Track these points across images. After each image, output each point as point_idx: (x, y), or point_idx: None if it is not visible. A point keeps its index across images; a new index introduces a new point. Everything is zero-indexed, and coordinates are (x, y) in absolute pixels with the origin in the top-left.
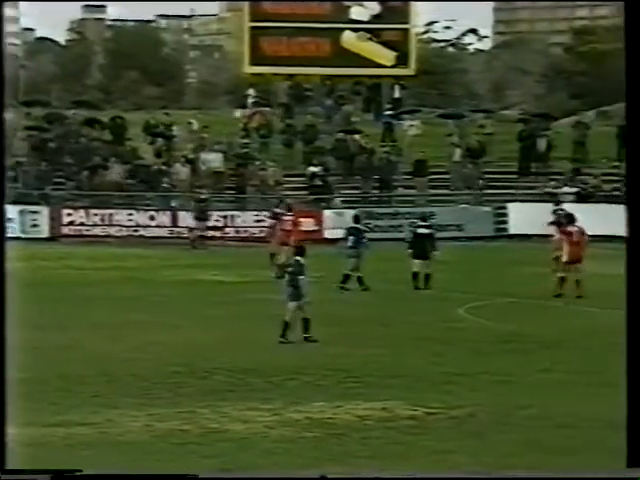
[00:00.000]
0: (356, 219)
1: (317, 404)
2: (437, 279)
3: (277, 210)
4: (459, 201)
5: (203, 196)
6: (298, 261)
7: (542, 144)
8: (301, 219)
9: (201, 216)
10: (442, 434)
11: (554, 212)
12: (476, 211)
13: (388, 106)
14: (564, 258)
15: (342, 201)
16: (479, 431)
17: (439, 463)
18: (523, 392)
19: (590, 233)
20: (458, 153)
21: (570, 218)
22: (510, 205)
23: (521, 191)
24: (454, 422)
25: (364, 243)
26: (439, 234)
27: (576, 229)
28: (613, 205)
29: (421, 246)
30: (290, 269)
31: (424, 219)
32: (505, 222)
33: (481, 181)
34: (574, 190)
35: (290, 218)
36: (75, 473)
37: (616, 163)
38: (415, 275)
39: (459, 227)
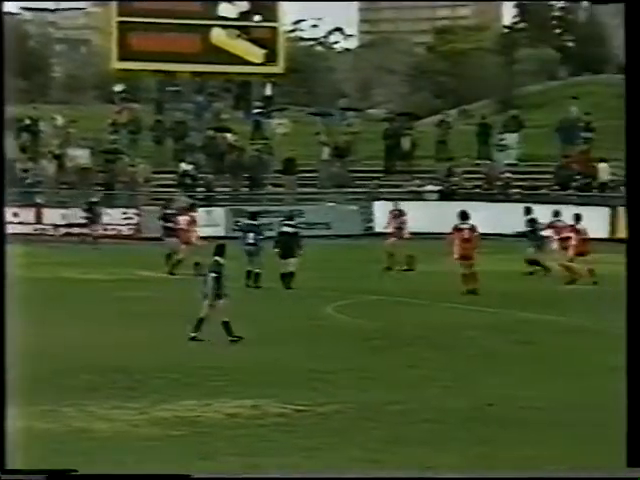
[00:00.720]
0: (253, 216)
1: (185, 402)
2: (306, 277)
3: (169, 211)
4: (327, 199)
5: (94, 199)
6: (217, 261)
7: (406, 143)
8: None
9: (92, 217)
10: (310, 431)
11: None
12: (343, 209)
13: (258, 104)
14: (455, 255)
15: (213, 199)
16: (346, 427)
17: (307, 460)
18: (388, 388)
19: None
20: (326, 152)
21: (463, 215)
22: (376, 203)
23: (387, 189)
24: (321, 419)
25: (261, 240)
26: (307, 232)
27: (467, 227)
28: (475, 202)
29: (286, 245)
30: (209, 268)
31: (289, 218)
32: (371, 220)
33: (348, 179)
34: (437, 188)
35: (187, 217)
36: (73, 473)
37: (477, 161)
38: (283, 275)
39: (327, 225)
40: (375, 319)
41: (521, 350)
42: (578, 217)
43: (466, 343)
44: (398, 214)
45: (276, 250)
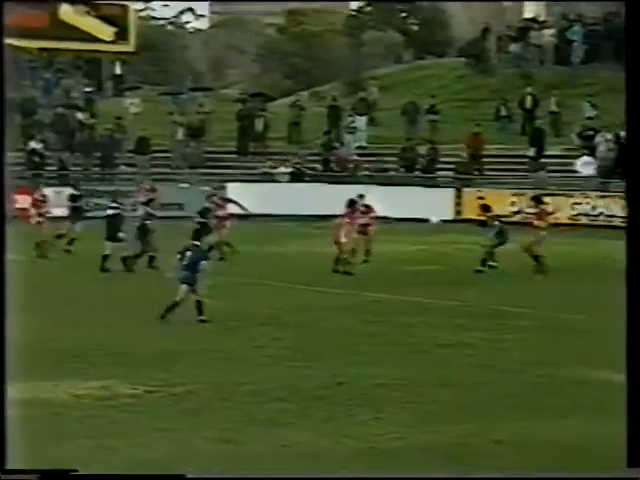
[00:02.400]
0: (73, 198)
1: (35, 383)
2: (160, 258)
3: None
4: (181, 180)
5: None
6: (197, 245)
7: (259, 124)
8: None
9: None
10: (162, 412)
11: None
12: (196, 190)
13: (108, 82)
14: (343, 239)
15: (63, 178)
16: (199, 408)
17: (159, 441)
18: (241, 368)
19: (304, 213)
20: (180, 132)
21: (351, 202)
22: (229, 185)
23: (240, 171)
24: (174, 399)
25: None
26: (160, 213)
27: (358, 211)
28: (325, 184)
29: (112, 227)
30: (188, 252)
31: (113, 199)
32: None
33: (202, 160)
34: (289, 170)
35: (33, 197)
36: (72, 473)
37: (329, 143)
38: (105, 257)
39: (180, 206)
40: (228, 300)
41: (371, 329)
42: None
43: (317, 323)
44: (222, 203)
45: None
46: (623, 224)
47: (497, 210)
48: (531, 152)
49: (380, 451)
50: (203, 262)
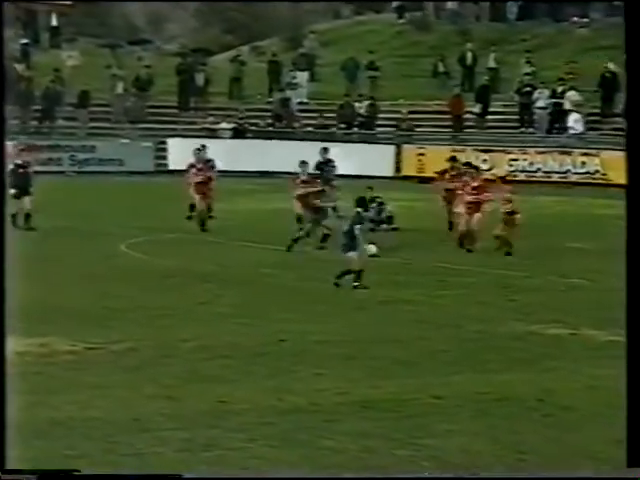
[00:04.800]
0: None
1: None
2: (98, 214)
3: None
4: (121, 135)
5: None
6: (358, 212)
7: (200, 79)
8: None
9: None
10: (102, 369)
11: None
12: (137, 146)
13: (44, 34)
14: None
15: None
16: (140, 365)
17: (99, 398)
18: (183, 325)
19: (246, 169)
20: (120, 86)
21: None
22: (170, 140)
23: (181, 126)
24: (115, 356)
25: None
26: (99, 168)
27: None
28: (268, 141)
29: (17, 183)
30: (348, 220)
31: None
32: (165, 157)
33: (143, 115)
34: (231, 126)
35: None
36: (73, 473)
37: (270, 99)
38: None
39: (120, 162)
40: (171, 257)
41: (314, 286)
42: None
43: (260, 280)
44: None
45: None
46: (560, 180)
47: (436, 167)
48: (477, 109)
49: (321, 406)
50: (357, 226)
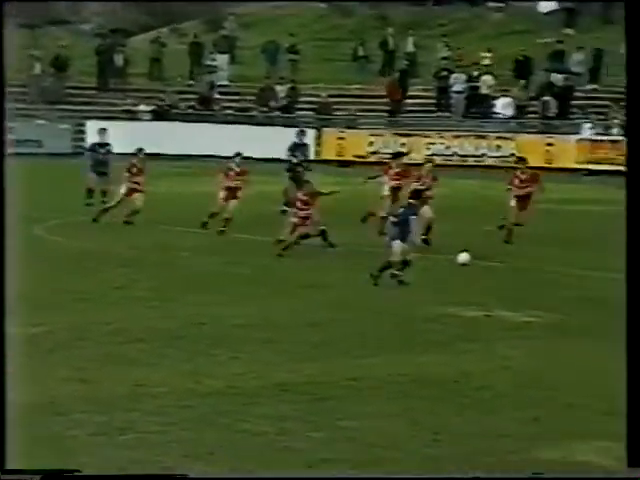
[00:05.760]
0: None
1: None
2: (13, 195)
3: None
4: (38, 116)
5: None
6: (411, 203)
7: (119, 60)
8: None
9: None
10: (17, 352)
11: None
12: (55, 127)
13: None
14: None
15: None
16: (55, 348)
17: (13, 381)
18: (99, 309)
19: (164, 152)
20: (38, 66)
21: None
22: (88, 122)
23: (100, 108)
24: (32, 339)
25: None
26: (16, 150)
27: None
28: (188, 124)
29: None
30: (401, 210)
31: None
32: (84, 139)
33: (61, 96)
34: (151, 108)
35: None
36: (74, 473)
37: (190, 82)
38: None
39: (38, 143)
40: (88, 240)
41: (234, 270)
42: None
43: (178, 264)
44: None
45: None
46: (476, 163)
47: (355, 151)
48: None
49: (239, 390)
50: (412, 217)
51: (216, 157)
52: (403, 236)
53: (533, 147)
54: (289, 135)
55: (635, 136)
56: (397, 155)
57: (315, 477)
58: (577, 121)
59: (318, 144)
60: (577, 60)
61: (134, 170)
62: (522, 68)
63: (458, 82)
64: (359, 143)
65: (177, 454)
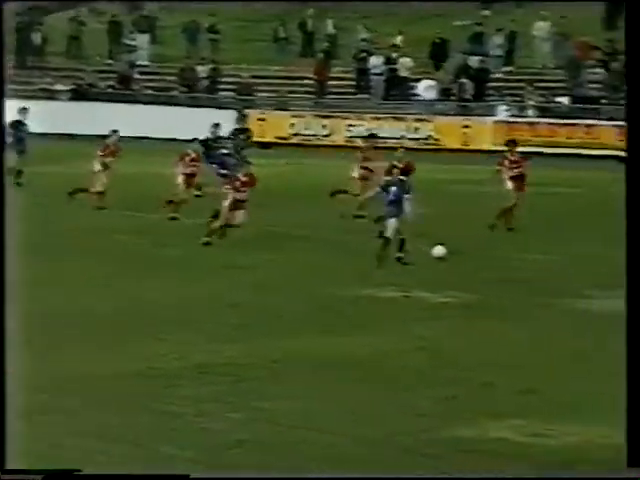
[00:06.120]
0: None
1: None
2: None
3: None
4: None
5: None
6: (402, 180)
7: (37, 38)
8: None
9: None
10: None
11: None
12: None
13: None
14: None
15: None
16: None
17: None
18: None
19: (81, 133)
20: None
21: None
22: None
23: (17, 86)
24: None
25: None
26: None
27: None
28: (106, 103)
29: None
30: (393, 187)
31: None
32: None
33: None
34: (69, 87)
35: None
36: (75, 473)
37: (109, 61)
38: None
39: None
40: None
41: (162, 252)
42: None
43: (108, 246)
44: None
45: None
46: (395, 145)
47: (276, 132)
48: (315, 75)
49: (159, 371)
50: (406, 196)
51: (137, 138)
52: (397, 214)
53: (450, 129)
54: (211, 116)
55: (635, 138)
56: (369, 137)
57: (315, 477)
58: (493, 103)
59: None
60: (497, 43)
61: (107, 151)
62: (438, 51)
63: (377, 64)
64: (280, 124)
65: (95, 436)
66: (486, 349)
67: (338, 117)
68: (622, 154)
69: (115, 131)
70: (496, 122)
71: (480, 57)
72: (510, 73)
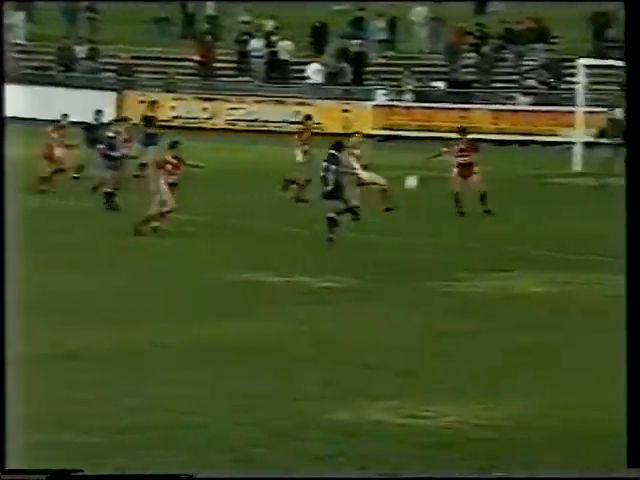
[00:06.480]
0: None
1: None
2: None
3: None
4: None
5: None
6: (337, 158)
7: None
8: None
9: None
10: None
11: None
12: None
13: None
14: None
15: None
16: None
17: None
18: None
19: None
20: None
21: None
22: None
23: None
24: None
25: None
26: None
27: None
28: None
29: None
30: (332, 167)
31: None
32: None
33: None
34: None
35: None
36: (75, 473)
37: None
38: None
39: None
40: None
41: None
42: None
43: None
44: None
45: None
46: (277, 129)
47: (159, 114)
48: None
49: (34, 357)
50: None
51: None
52: (339, 196)
53: (330, 113)
54: (90, 97)
55: (635, 138)
56: (306, 119)
57: (315, 477)
58: (372, 88)
59: (119, 107)
60: (378, 27)
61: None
62: (319, 35)
63: (258, 47)
64: (161, 107)
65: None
66: (366, 332)
67: (219, 100)
68: (495, 137)
69: None
70: (375, 106)
71: (360, 41)
72: (389, 57)
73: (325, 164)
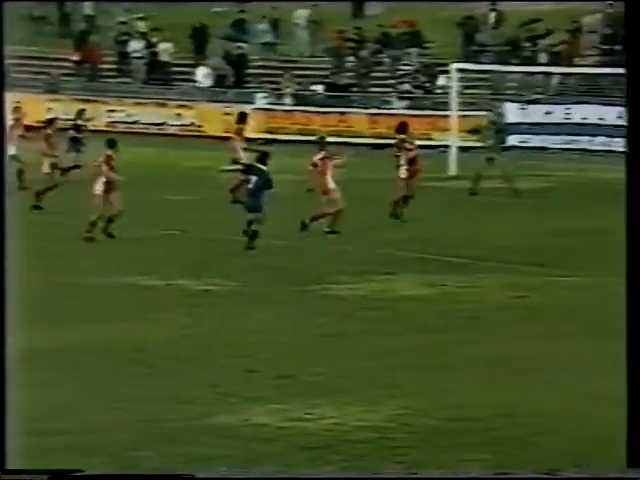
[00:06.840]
0: None
1: None
2: None
3: None
4: None
5: None
6: (263, 170)
7: None
8: None
9: None
10: None
11: None
12: None
13: None
14: None
15: None
16: None
17: None
18: None
19: None
20: None
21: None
22: None
23: None
24: None
25: None
26: None
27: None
28: None
29: None
30: (254, 178)
31: None
32: None
33: None
34: None
35: None
36: (75, 474)
37: None
38: None
39: None
40: None
41: None
42: None
43: None
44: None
45: None
46: (158, 132)
47: (34, 117)
48: (76, 57)
49: None
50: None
51: None
52: (256, 208)
53: (212, 116)
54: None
55: (635, 141)
56: (242, 116)
57: (315, 477)
58: (252, 91)
59: None
60: (261, 29)
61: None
62: (199, 36)
63: (138, 48)
64: (37, 109)
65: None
66: (248, 335)
67: (98, 102)
68: (373, 141)
69: None
70: (255, 109)
71: (240, 44)
72: (270, 60)
73: (252, 177)
